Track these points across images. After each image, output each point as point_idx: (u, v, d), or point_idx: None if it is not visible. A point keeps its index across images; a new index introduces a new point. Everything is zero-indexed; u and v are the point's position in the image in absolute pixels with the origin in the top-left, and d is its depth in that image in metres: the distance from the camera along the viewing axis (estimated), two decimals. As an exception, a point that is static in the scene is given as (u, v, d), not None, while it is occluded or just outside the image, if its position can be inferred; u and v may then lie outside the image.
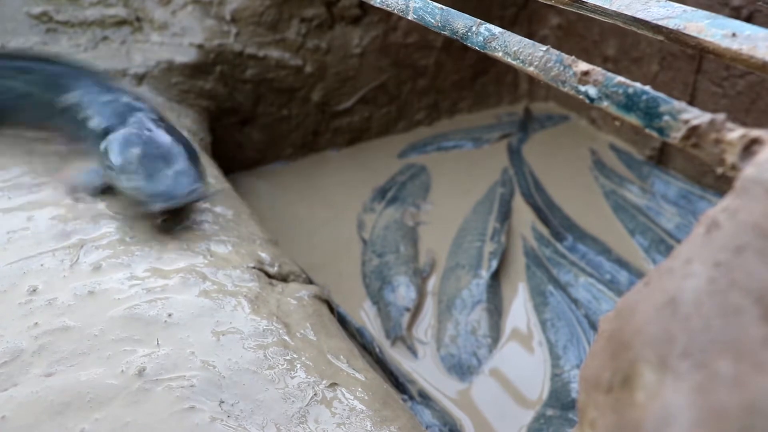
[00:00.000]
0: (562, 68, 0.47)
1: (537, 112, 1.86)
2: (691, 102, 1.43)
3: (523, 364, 1.08)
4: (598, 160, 1.62)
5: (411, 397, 1.00)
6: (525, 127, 1.77)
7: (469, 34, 0.57)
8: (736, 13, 1.27)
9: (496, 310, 1.16)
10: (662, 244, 1.31)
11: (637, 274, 1.24)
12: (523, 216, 1.43)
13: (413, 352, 1.09)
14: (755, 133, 0.34)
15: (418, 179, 1.55)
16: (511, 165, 1.61)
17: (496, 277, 1.23)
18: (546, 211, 1.43)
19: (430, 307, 1.19)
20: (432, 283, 1.24)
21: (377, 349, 1.06)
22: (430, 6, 0.63)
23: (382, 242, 1.32)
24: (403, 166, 1.61)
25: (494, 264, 1.24)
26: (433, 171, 1.59)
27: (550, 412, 0.98)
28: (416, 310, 1.16)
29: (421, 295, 1.19)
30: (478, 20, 0.57)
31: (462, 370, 1.05)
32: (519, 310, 1.19)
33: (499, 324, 1.14)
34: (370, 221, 1.41)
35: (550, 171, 1.59)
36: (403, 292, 1.17)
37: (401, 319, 1.12)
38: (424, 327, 1.15)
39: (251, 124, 1.51)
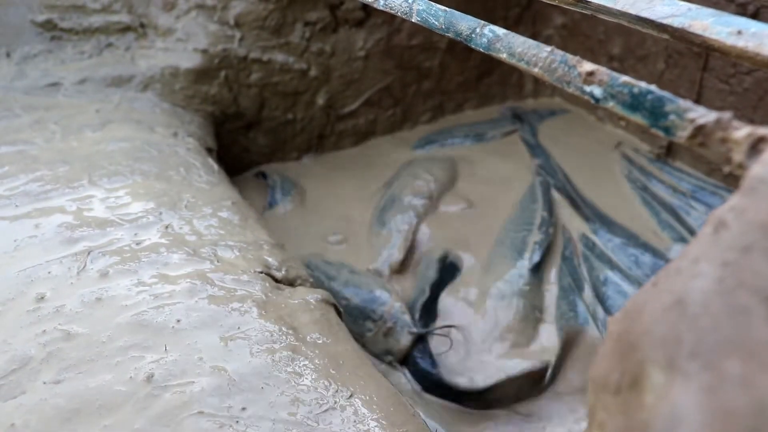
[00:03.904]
0: (566, 69, 0.46)
1: (542, 109, 1.85)
2: (698, 99, 1.42)
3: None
4: (624, 153, 1.61)
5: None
6: (521, 119, 1.76)
7: (473, 35, 0.57)
8: (742, 10, 1.27)
9: (531, 304, 1.14)
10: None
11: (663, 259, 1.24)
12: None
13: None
14: (762, 131, 0.33)
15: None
16: (533, 156, 1.60)
17: (538, 269, 1.20)
18: (577, 199, 1.42)
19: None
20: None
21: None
22: (434, 8, 0.63)
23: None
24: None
25: (537, 256, 1.21)
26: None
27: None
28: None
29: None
30: (482, 22, 0.57)
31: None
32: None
33: (535, 316, 1.12)
34: None
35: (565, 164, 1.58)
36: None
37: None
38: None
39: (256, 128, 1.52)
